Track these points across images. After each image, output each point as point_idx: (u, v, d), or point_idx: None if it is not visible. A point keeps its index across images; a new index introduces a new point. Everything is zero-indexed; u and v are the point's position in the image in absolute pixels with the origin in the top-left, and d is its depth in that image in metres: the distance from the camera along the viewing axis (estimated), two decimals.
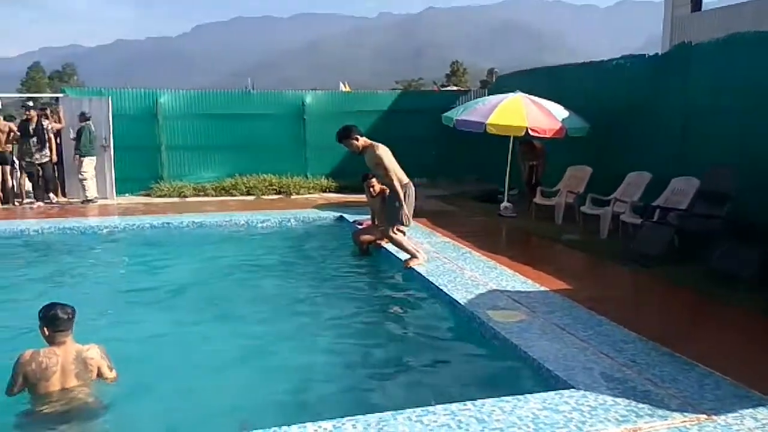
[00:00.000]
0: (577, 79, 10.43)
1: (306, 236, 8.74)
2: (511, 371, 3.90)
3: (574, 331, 4.23)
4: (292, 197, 11.97)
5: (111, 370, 3.57)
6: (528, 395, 3.23)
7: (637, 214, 7.30)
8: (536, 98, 9.23)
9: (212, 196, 11.87)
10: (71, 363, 3.40)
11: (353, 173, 12.49)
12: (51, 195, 10.68)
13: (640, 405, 3.12)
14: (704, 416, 3.02)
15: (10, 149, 10.64)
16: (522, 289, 5.28)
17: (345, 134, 6.28)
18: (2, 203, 10.48)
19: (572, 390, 3.30)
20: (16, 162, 10.81)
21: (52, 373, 3.33)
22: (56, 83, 58.96)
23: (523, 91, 9.42)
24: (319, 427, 2.87)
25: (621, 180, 8.10)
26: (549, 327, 4.32)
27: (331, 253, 7.64)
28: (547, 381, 3.53)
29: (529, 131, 8.58)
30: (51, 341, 3.41)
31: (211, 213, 9.75)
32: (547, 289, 5.33)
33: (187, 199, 11.57)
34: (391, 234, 6.30)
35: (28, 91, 42.83)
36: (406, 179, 6.27)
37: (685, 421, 2.97)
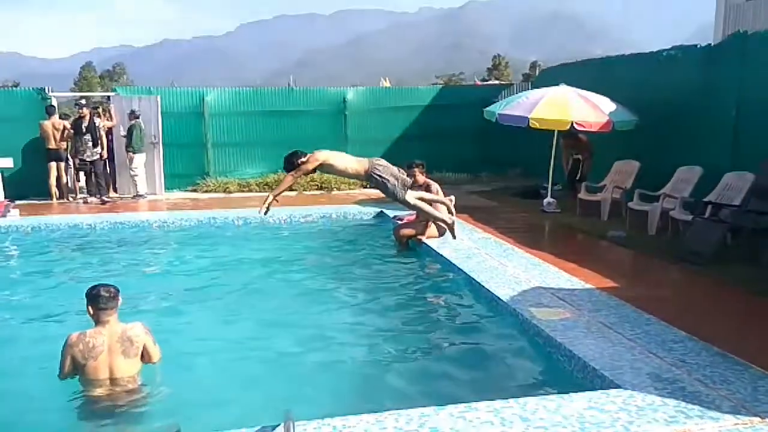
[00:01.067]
0: (626, 70, 10.15)
1: (347, 231, 8.81)
2: (555, 370, 3.84)
3: (621, 330, 4.13)
4: (333, 193, 12.08)
5: (155, 345, 3.71)
6: (573, 394, 3.18)
7: (688, 211, 7.06)
8: (582, 91, 9.04)
9: (256, 191, 12.08)
10: (117, 341, 3.52)
11: None
12: (103, 191, 10.96)
13: (690, 406, 3.03)
14: (758, 419, 2.91)
15: (65, 146, 11.04)
16: (566, 287, 5.20)
17: (289, 161, 6.62)
18: (57, 198, 10.94)
19: (619, 389, 3.23)
20: (70, 159, 11.26)
21: (99, 352, 3.45)
22: (107, 82, 61.07)
23: (569, 84, 9.23)
24: (361, 420, 2.89)
25: (671, 175, 7.85)
26: (595, 325, 4.24)
27: (372, 249, 7.67)
28: (593, 380, 3.47)
29: (575, 125, 8.41)
30: (96, 320, 3.54)
31: (254, 208, 9.92)
32: (593, 286, 5.23)
33: (232, 195, 11.82)
34: (413, 201, 6.53)
35: (81, 90, 44.51)
36: (366, 163, 6.45)
37: (737, 424, 2.87)
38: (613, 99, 8.93)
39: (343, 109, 12.92)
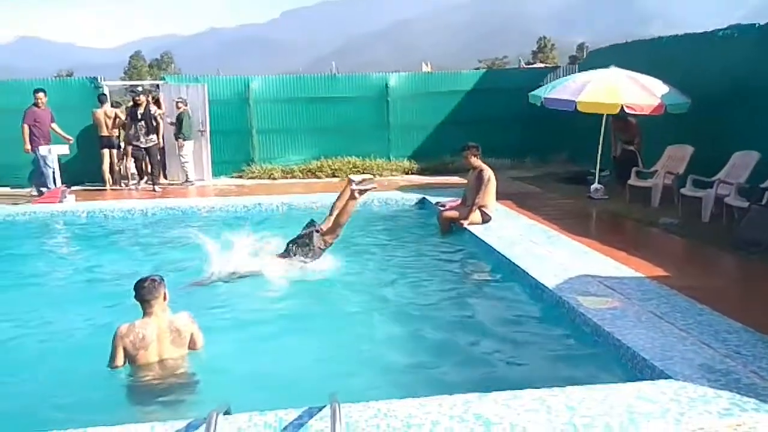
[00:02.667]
0: (679, 51, 9.75)
1: (389, 217, 8.84)
2: (603, 359, 3.77)
3: (673, 320, 4.02)
4: (375, 179, 12.09)
5: (199, 332, 3.84)
6: (621, 384, 3.12)
7: (744, 197, 6.77)
8: (632, 73, 8.75)
9: (299, 178, 12.24)
10: (165, 331, 3.65)
11: (435, 155, 12.50)
12: (156, 178, 11.20)
13: (745, 399, 2.93)
14: None
15: (117, 134, 11.40)
16: (615, 275, 5.07)
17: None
18: (110, 185, 11.34)
19: (670, 380, 3.15)
20: (122, 146, 11.62)
21: (149, 342, 3.58)
22: (155, 71, 62.66)
23: (618, 67, 8.94)
24: (405, 404, 2.91)
25: (726, 160, 7.54)
26: (645, 315, 4.13)
27: (414, 234, 7.67)
28: (642, 370, 3.39)
29: (625, 108, 8.15)
30: (143, 311, 3.66)
31: (298, 194, 10.07)
32: (643, 275, 5.09)
33: (276, 181, 12.01)
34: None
35: (131, 79, 45.78)
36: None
37: None
38: (665, 81, 8.61)
39: (386, 95, 12.89)
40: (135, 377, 3.60)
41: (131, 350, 3.57)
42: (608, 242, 6.25)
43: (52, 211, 9.14)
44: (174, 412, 3.25)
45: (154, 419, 2.90)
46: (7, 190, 11.48)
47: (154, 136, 11.09)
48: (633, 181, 8.80)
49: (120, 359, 3.60)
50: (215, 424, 2.40)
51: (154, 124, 11.07)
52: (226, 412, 2.79)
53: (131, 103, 11.39)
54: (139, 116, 10.94)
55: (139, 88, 11.88)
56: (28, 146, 10.21)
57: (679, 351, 3.52)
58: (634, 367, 3.50)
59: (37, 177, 10.59)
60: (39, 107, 10.43)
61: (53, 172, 10.27)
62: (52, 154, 10.27)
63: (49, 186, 10.26)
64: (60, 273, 6.36)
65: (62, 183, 10.33)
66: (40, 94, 10.49)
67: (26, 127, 10.21)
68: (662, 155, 8.76)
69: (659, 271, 5.21)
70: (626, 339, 3.72)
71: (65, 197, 9.78)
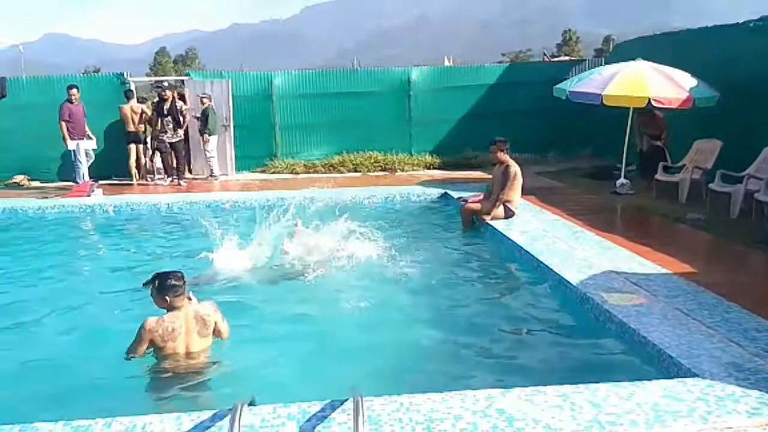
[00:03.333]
0: (708, 43, 9.53)
1: (411, 212, 8.82)
2: (628, 356, 3.73)
3: (700, 318, 3.95)
4: (397, 174, 12.11)
5: (224, 321, 3.89)
6: (647, 382, 3.08)
7: None
8: (660, 66, 8.58)
9: (321, 172, 12.28)
10: (192, 321, 3.71)
11: (457, 150, 12.45)
12: (181, 173, 11.30)
13: None
14: None
15: (143, 129, 11.56)
16: (640, 272, 5.00)
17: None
18: (137, 179, 11.52)
19: (697, 378, 3.11)
20: (149, 141, 11.79)
21: (178, 334, 3.64)
22: (180, 67, 63.40)
23: (645, 59, 8.78)
24: (428, 398, 2.92)
25: (756, 154, 7.36)
26: (671, 312, 4.07)
27: (435, 229, 7.66)
28: (669, 368, 3.35)
29: (652, 102, 8.00)
30: (173, 306, 3.66)
31: (320, 189, 10.10)
32: (669, 272, 5.01)
33: (299, 176, 12.07)
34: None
35: (156, 75, 46.35)
36: None
37: None
38: (693, 74, 8.43)
39: (408, 89, 12.85)
40: (161, 368, 3.66)
41: (159, 342, 3.62)
42: (634, 238, 6.16)
43: (81, 204, 9.33)
44: (199, 403, 3.30)
45: (180, 410, 2.95)
46: (36, 183, 11.75)
47: (180, 132, 11.19)
48: (660, 176, 8.65)
49: (141, 351, 3.64)
50: (240, 415, 2.43)
51: (180, 119, 11.17)
52: (251, 403, 2.83)
53: (157, 99, 11.52)
54: (166, 112, 11.04)
55: (165, 84, 12.01)
56: (69, 141, 10.46)
57: (706, 349, 3.46)
58: (660, 365, 3.45)
59: (78, 171, 10.77)
60: (73, 103, 10.66)
61: (82, 167, 10.51)
62: (80, 149, 10.48)
63: (77, 180, 10.48)
64: (86, 265, 6.51)
65: (90, 177, 10.53)
66: (74, 90, 10.72)
67: (63, 123, 10.45)
68: (690, 150, 8.59)
69: (686, 268, 5.13)
70: (652, 336, 3.67)
71: (93, 191, 9.97)
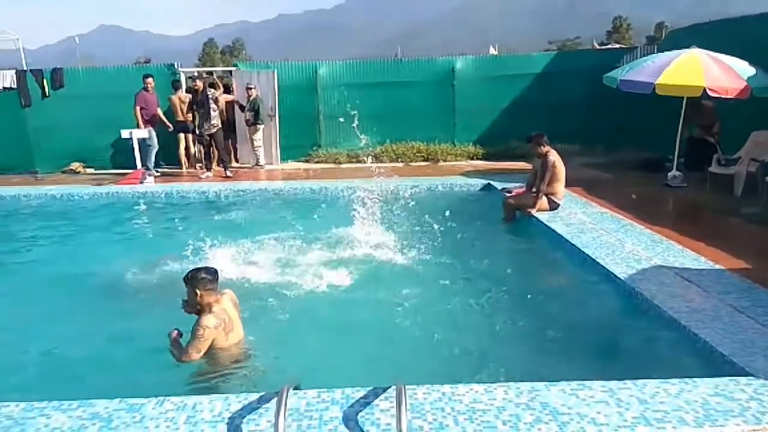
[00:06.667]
0: (766, 31, 9.07)
1: (453, 203, 8.76)
2: (678, 353, 3.63)
3: (754, 315, 3.81)
4: (440, 164, 12.04)
5: None
6: (697, 379, 3.01)
7: None
8: (715, 54, 8.23)
9: (363, 162, 12.32)
10: (233, 309, 3.80)
11: (502, 140, 12.27)
12: (225, 163, 11.13)
13: None
14: None
15: (191, 119, 11.73)
16: (692, 267, 4.85)
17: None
18: (186, 167, 11.83)
19: (750, 378, 3.01)
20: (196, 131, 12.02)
21: (231, 326, 3.71)
22: (227, 58, 64.54)
23: (701, 47, 8.44)
24: (470, 389, 2.93)
25: None
26: (724, 309, 3.94)
27: (479, 221, 7.58)
28: (721, 366, 3.26)
29: (707, 91, 7.69)
30: (203, 300, 3.64)
31: (362, 179, 10.15)
32: (722, 267, 4.84)
33: (342, 166, 12.16)
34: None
35: (204, 66, 47.27)
36: None
37: None
38: (751, 63, 8.06)
39: (452, 79, 12.73)
40: (217, 358, 3.71)
41: (221, 337, 3.63)
42: (686, 232, 5.97)
43: (133, 191, 9.67)
44: (246, 384, 3.40)
45: (227, 391, 3.05)
46: (91, 171, 12.23)
47: (214, 122, 10.78)
48: (714, 168, 8.34)
49: (204, 351, 3.59)
50: (287, 398, 2.50)
51: (211, 108, 10.70)
52: (297, 387, 2.90)
53: (191, 91, 11.16)
54: (199, 102, 10.73)
55: (195, 73, 12.08)
56: (143, 128, 10.85)
57: (761, 347, 3.35)
58: (711, 363, 3.36)
59: (144, 158, 11.11)
60: (148, 91, 11.03)
61: (152, 151, 10.99)
62: (133, 137, 10.84)
63: (149, 166, 10.94)
64: (137, 249, 6.75)
65: (143, 165, 10.88)
66: (149, 79, 11.10)
67: (138, 109, 10.85)
68: (747, 141, 8.23)
69: (740, 264, 4.95)
70: (703, 333, 3.57)
71: (145, 179, 10.31)
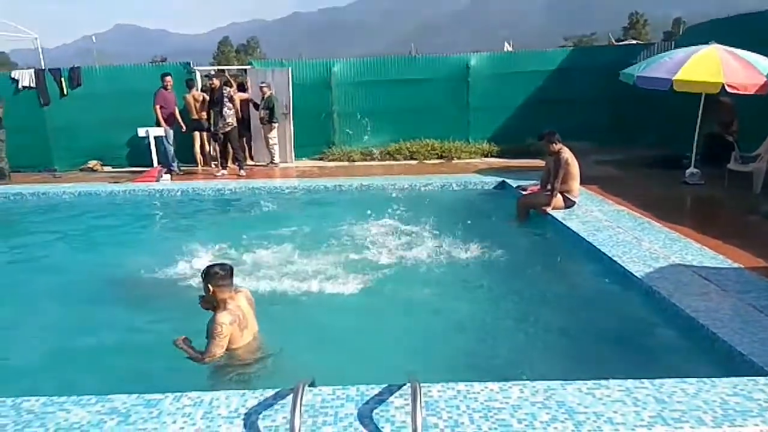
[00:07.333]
0: None
1: (467, 201, 8.74)
2: (696, 353, 3.60)
3: None
4: (454, 162, 12.01)
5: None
6: (715, 379, 2.97)
7: None
8: (734, 49, 8.11)
9: (378, 160, 12.34)
10: (247, 306, 3.82)
11: (516, 137, 12.20)
12: (240, 161, 11.17)
13: None
14: None
15: (206, 117, 11.78)
16: (711, 265, 4.80)
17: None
18: (201, 165, 11.91)
19: None
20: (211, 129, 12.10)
21: (246, 323, 3.73)
22: (242, 56, 64.83)
23: (719, 43, 8.32)
24: (486, 387, 2.92)
25: None
26: (743, 308, 3.89)
27: (493, 219, 7.55)
28: (739, 366, 3.22)
29: (726, 88, 7.59)
30: (216, 296, 3.65)
31: (376, 177, 10.17)
32: (741, 265, 4.78)
33: (356, 164, 12.17)
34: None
35: (219, 65, 47.50)
36: None
37: None
38: None
39: (466, 76, 12.68)
40: (237, 354, 3.73)
41: (237, 334, 3.65)
42: (704, 230, 5.90)
43: (150, 189, 9.77)
44: (259, 382, 3.42)
45: (244, 388, 3.07)
46: (108, 169, 12.37)
47: (229, 120, 10.81)
48: (732, 165, 8.22)
49: (224, 348, 3.61)
50: (302, 395, 2.51)
51: (226, 106, 10.74)
52: (311, 384, 2.91)
53: (208, 90, 11.18)
54: (215, 100, 10.79)
55: (212, 72, 12.17)
56: (164, 126, 10.96)
57: None
58: (729, 363, 3.32)
59: (164, 158, 11.28)
60: (167, 89, 11.14)
61: (171, 150, 11.13)
62: (150, 135, 10.94)
63: (170, 164, 11.07)
64: (153, 246, 6.82)
65: (158, 163, 10.98)
66: (168, 78, 11.22)
67: (158, 108, 10.97)
68: (767, 138, 8.10)
69: (759, 262, 4.88)
70: (722, 333, 3.53)
71: (161, 176, 10.40)
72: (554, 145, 7.00)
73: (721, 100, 8.62)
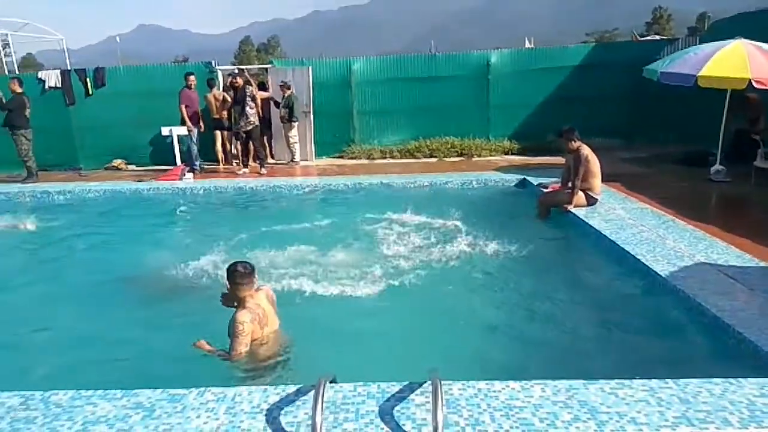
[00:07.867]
0: None
1: (488, 199, 8.70)
2: (721, 353, 3.53)
3: None
4: (474, 159, 11.95)
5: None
6: (742, 379, 2.92)
7: None
8: (762, 44, 7.94)
9: (397, 158, 12.33)
10: (267, 303, 3.85)
11: (537, 134, 12.10)
12: (261, 160, 11.25)
13: None
14: None
15: (227, 116, 11.89)
16: (737, 264, 4.71)
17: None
18: (223, 164, 12.03)
19: None
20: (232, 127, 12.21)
21: (266, 320, 3.76)
22: (263, 55, 65.25)
23: (746, 38, 8.16)
24: (507, 386, 2.90)
25: None
26: None
27: (514, 217, 7.50)
28: (767, 366, 3.15)
29: (753, 83, 7.44)
30: (236, 293, 3.70)
31: (396, 175, 10.17)
32: None
33: (375, 161, 12.18)
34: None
35: (240, 64, 47.86)
36: None
37: None
38: None
39: (487, 73, 12.60)
40: (257, 351, 3.76)
41: (258, 330, 3.70)
42: (730, 228, 5.79)
43: (173, 187, 9.90)
44: (280, 378, 3.45)
45: (265, 384, 3.10)
46: (132, 167, 12.56)
47: (251, 119, 10.91)
48: (759, 162, 8.05)
49: (248, 345, 3.65)
50: (324, 391, 2.53)
51: (248, 106, 10.85)
52: (333, 381, 2.93)
53: (231, 89, 11.25)
54: (238, 99, 10.91)
55: (235, 71, 12.27)
56: (190, 125, 11.12)
57: None
58: (756, 363, 3.26)
59: (187, 156, 11.43)
60: (191, 89, 11.29)
61: (194, 148, 11.27)
62: (173, 134, 11.08)
63: (193, 163, 11.19)
64: (176, 243, 6.91)
65: (181, 162, 11.12)
66: (192, 77, 11.37)
67: (183, 107, 11.13)
68: None
69: None
70: (748, 332, 3.46)
71: (184, 175, 10.54)
72: (573, 142, 6.93)
73: (748, 96, 8.46)
